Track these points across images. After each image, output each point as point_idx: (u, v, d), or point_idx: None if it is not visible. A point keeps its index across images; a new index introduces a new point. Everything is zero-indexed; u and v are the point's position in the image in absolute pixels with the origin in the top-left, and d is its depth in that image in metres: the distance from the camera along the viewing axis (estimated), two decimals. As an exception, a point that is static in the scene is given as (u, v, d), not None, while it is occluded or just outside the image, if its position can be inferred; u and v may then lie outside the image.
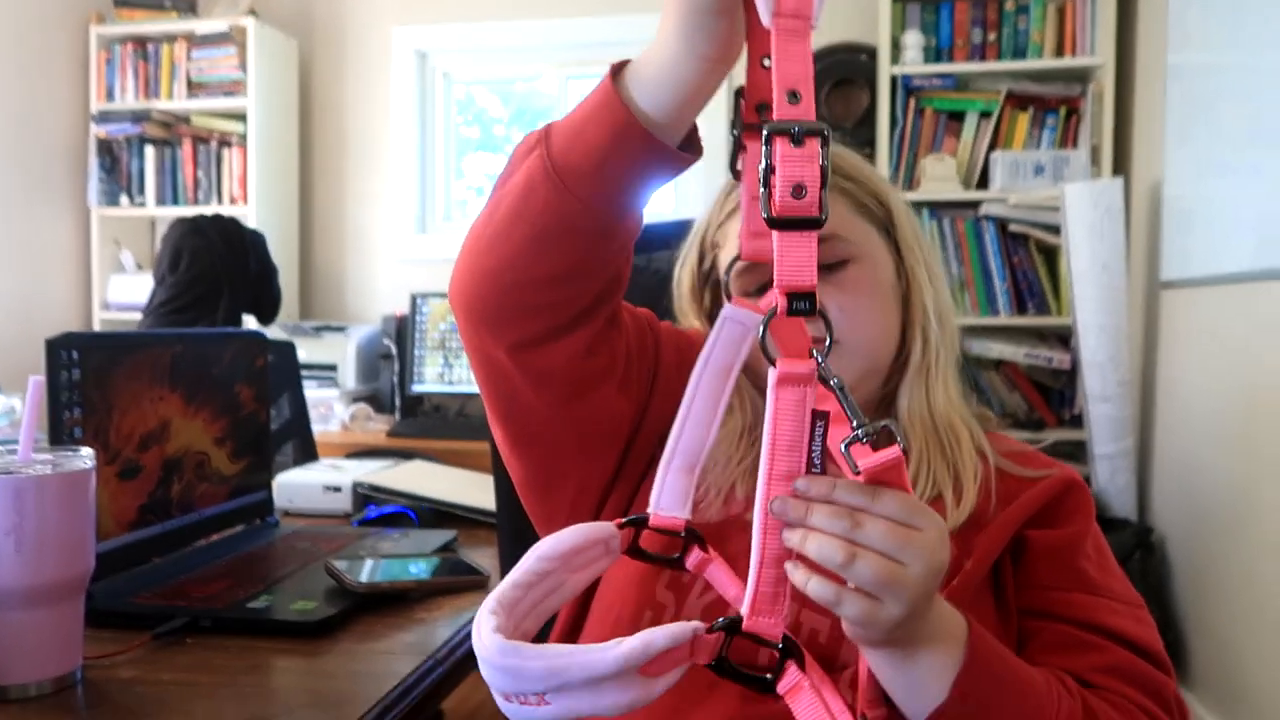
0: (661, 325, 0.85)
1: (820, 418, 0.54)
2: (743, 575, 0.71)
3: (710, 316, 0.85)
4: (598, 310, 0.72)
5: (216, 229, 2.62)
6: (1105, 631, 0.69)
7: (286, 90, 3.46)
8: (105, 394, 0.99)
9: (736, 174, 0.64)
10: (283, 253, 3.25)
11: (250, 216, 3.24)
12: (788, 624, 0.56)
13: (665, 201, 3.25)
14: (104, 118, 3.39)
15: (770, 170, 0.51)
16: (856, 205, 0.80)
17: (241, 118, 3.33)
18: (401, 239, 3.46)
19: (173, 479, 1.09)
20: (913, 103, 2.89)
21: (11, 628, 0.75)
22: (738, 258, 0.67)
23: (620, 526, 0.66)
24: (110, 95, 3.41)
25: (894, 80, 2.87)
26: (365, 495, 1.42)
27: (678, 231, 1.05)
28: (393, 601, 0.98)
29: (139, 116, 3.37)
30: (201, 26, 3.34)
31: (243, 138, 3.33)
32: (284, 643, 0.88)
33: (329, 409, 2.97)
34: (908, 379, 0.79)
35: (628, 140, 0.62)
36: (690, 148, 0.65)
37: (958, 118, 2.90)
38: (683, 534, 0.68)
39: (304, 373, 2.43)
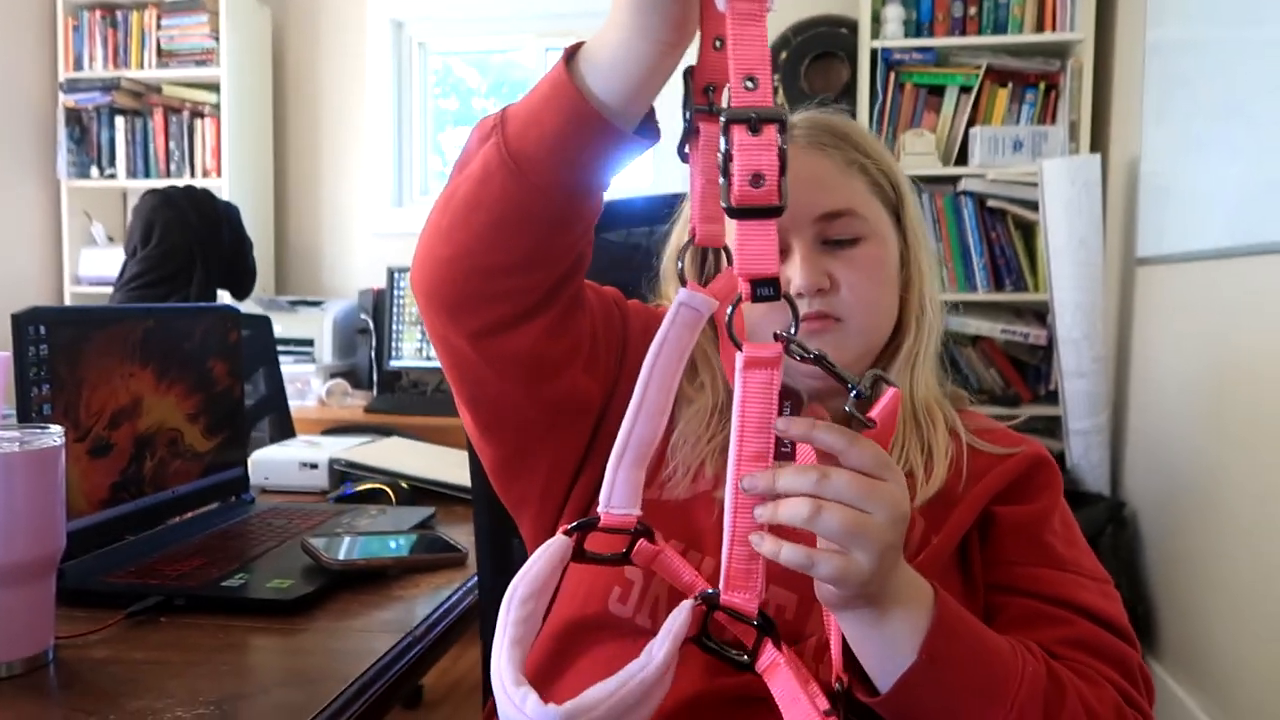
0: (630, 303, 0.84)
1: (789, 397, 0.55)
2: (709, 550, 0.72)
3: None
4: (559, 294, 0.71)
5: (189, 201, 2.58)
6: (1071, 605, 0.70)
7: (259, 60, 3.40)
8: (74, 370, 0.97)
9: (684, 156, 0.63)
10: (257, 226, 3.22)
11: (224, 189, 3.20)
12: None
13: (643, 176, 3.23)
14: (72, 86, 3.32)
15: (729, 158, 0.51)
16: (872, 184, 0.80)
17: (214, 88, 3.27)
18: (378, 212, 3.43)
19: (145, 456, 1.08)
20: (893, 77, 2.88)
21: (-20, 608, 0.74)
22: (690, 242, 0.66)
23: (568, 532, 0.66)
24: (78, 64, 3.35)
25: (874, 54, 2.86)
26: (342, 472, 1.41)
27: (655, 207, 1.04)
28: (370, 579, 0.98)
29: (108, 86, 3.31)
30: (172, -7, 3.28)
31: (215, 108, 3.28)
32: (260, 621, 0.87)
33: (305, 384, 2.95)
34: (896, 366, 0.80)
35: (583, 126, 0.61)
36: (648, 131, 0.64)
37: (937, 92, 2.89)
38: (633, 530, 0.68)
39: (280, 348, 2.40)
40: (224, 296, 2.78)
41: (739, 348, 0.55)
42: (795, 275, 0.75)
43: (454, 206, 0.67)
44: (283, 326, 2.81)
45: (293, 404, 2.42)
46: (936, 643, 0.59)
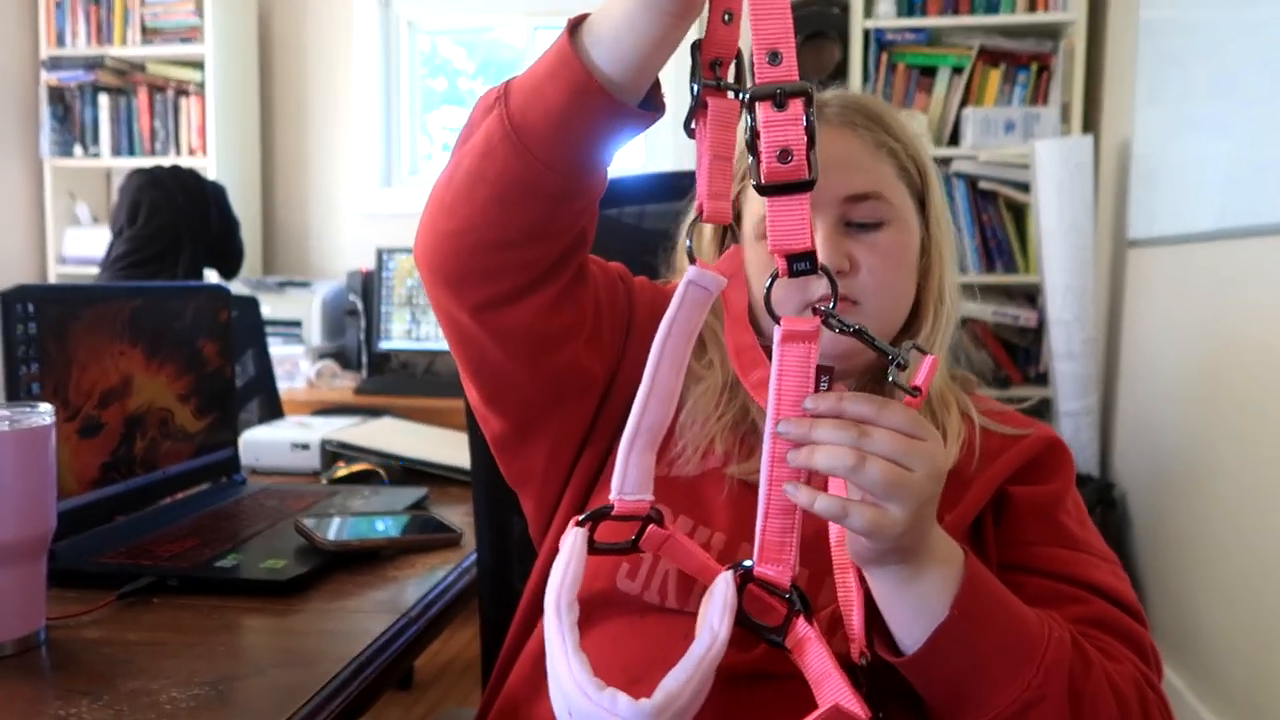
0: (636, 280, 0.84)
1: (824, 372, 0.56)
2: (718, 525, 0.72)
3: None
4: (562, 268, 0.71)
5: (175, 181, 2.56)
6: (1087, 585, 0.70)
7: (245, 37, 3.36)
8: (64, 349, 0.96)
9: (690, 132, 0.62)
10: (244, 206, 3.18)
11: (210, 168, 3.17)
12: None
13: (636, 155, 3.22)
14: (55, 64, 3.28)
15: (755, 136, 0.51)
16: (900, 169, 0.79)
17: (199, 66, 3.23)
18: (366, 193, 3.40)
19: (135, 436, 1.07)
20: (885, 57, 2.87)
21: (-29, 589, 0.73)
22: (697, 219, 0.65)
23: (580, 523, 0.66)
24: (61, 40, 3.30)
25: (866, 34, 2.84)
26: (334, 453, 1.40)
27: (650, 185, 1.03)
28: (364, 560, 0.97)
29: (92, 63, 3.26)
30: (155, -30, 3.23)
31: (200, 87, 3.24)
32: (253, 602, 0.87)
33: (294, 366, 2.93)
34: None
35: (587, 100, 0.60)
36: (652, 105, 0.63)
37: (930, 73, 2.88)
38: (646, 516, 0.68)
39: (268, 329, 2.39)
40: (211, 277, 2.76)
41: (777, 321, 0.55)
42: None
43: (457, 180, 0.66)
44: (270, 308, 2.79)
45: (281, 386, 2.41)
46: (967, 601, 0.59)
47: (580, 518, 0.66)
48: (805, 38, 3.00)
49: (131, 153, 3.32)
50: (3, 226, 3.26)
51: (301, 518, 1.00)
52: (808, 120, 0.51)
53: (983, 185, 2.78)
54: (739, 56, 0.60)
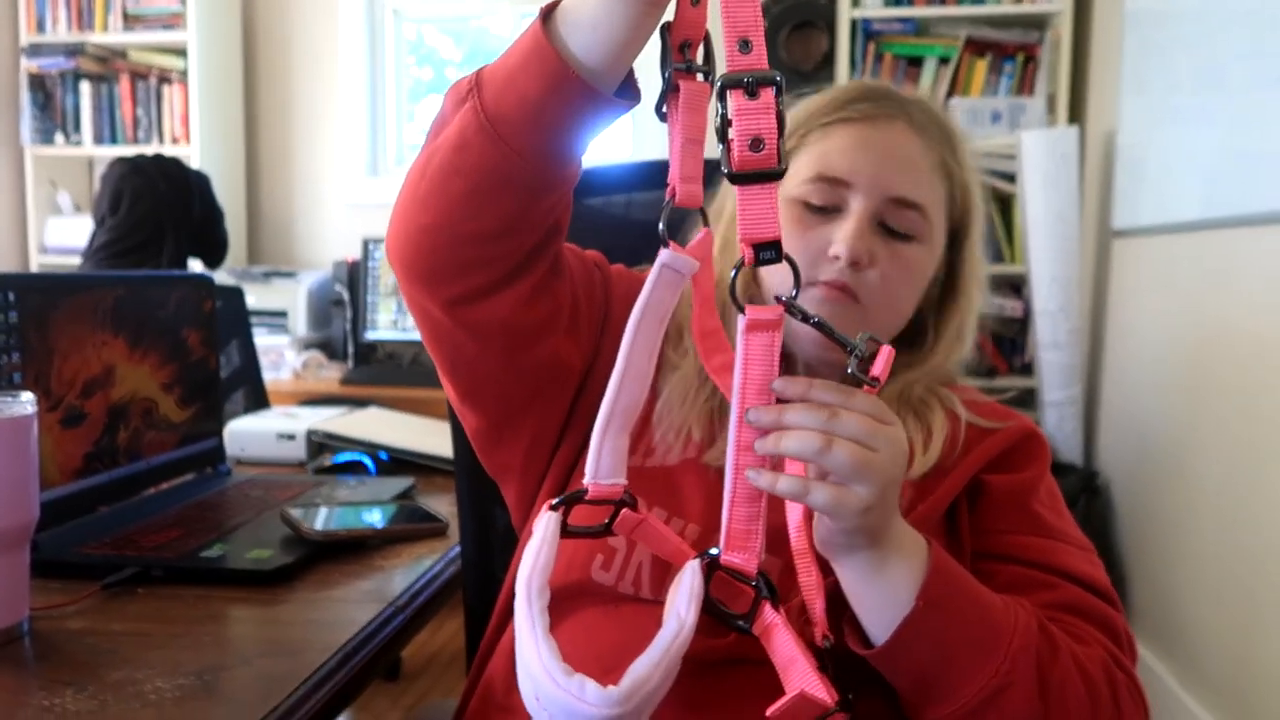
0: (613, 268, 0.83)
1: (788, 361, 0.55)
2: (693, 516, 0.72)
3: None
4: (538, 261, 0.70)
5: (158, 169, 2.54)
6: (1059, 571, 0.71)
7: (229, 24, 3.33)
8: (45, 338, 0.95)
9: (663, 115, 0.62)
10: (228, 195, 3.16)
11: (193, 157, 3.14)
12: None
13: (622, 144, 3.21)
14: (35, 51, 3.24)
15: (726, 124, 0.51)
16: (949, 195, 0.79)
17: (182, 53, 3.20)
18: (352, 182, 3.38)
19: (119, 426, 1.06)
20: (872, 47, 2.87)
21: (-48, 579, 0.72)
22: (670, 202, 0.65)
23: (553, 507, 0.66)
24: (41, 26, 3.26)
25: (853, 24, 2.84)
26: (320, 443, 1.40)
27: (637, 173, 1.03)
28: (350, 550, 0.97)
29: (73, 50, 3.22)
30: (137, -45, 3.20)
31: (183, 74, 3.21)
32: (239, 592, 0.86)
33: (280, 356, 2.92)
34: (917, 375, 0.79)
35: (562, 89, 0.60)
36: (628, 92, 0.63)
37: (916, 63, 2.89)
38: (619, 500, 0.67)
39: (253, 319, 2.38)
40: (195, 266, 2.74)
41: (741, 310, 0.55)
42: (840, 238, 0.74)
43: (430, 173, 0.65)
44: (255, 298, 2.78)
45: (267, 376, 2.40)
46: (933, 590, 0.59)
47: (554, 502, 0.66)
48: (792, 27, 2.99)
49: (113, 141, 3.29)
50: (-17, 215, 3.23)
51: (287, 507, 1.00)
52: (779, 109, 0.51)
53: (969, 175, 2.79)
54: (707, 37, 0.60)
